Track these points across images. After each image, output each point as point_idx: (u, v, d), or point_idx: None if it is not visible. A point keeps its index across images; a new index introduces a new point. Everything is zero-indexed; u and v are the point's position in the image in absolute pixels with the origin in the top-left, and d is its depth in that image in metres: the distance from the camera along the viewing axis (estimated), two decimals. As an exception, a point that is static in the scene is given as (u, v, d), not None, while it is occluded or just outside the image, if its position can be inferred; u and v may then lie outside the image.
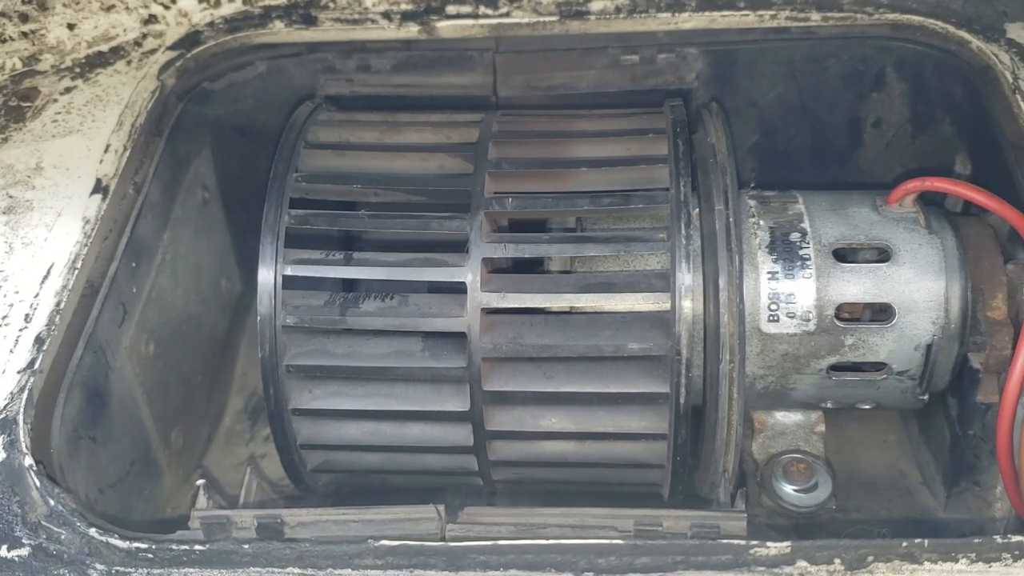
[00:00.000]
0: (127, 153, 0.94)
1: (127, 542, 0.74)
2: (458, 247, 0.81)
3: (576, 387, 0.83)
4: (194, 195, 1.06)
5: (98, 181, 0.91)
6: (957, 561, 0.71)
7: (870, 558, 0.72)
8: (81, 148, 0.94)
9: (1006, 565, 0.71)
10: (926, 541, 0.72)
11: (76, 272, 0.84)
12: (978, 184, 0.88)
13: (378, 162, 0.89)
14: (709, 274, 0.82)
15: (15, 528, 0.74)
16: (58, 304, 0.83)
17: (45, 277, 0.84)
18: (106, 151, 0.93)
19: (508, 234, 0.85)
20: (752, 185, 0.94)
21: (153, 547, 0.74)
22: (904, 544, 0.72)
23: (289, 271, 0.82)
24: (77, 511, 0.75)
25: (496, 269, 0.84)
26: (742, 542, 0.72)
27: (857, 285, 0.84)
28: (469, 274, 0.80)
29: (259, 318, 0.82)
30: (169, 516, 0.97)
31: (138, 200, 0.94)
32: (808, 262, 0.85)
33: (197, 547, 0.74)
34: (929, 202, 0.90)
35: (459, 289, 0.80)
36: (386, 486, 0.92)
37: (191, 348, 1.05)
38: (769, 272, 0.85)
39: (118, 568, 0.73)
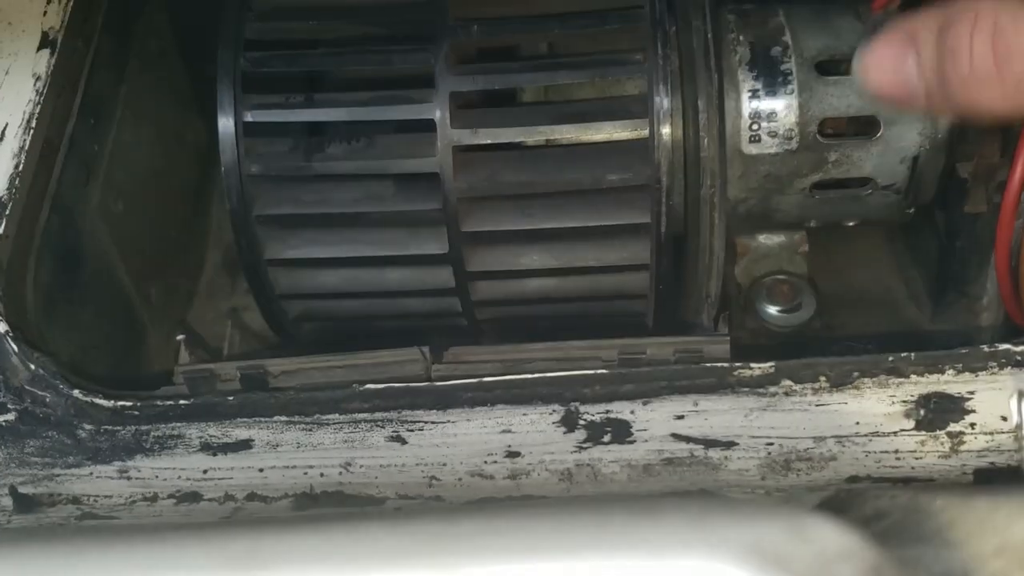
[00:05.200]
0: (71, 3, 0.89)
1: (112, 401, 0.74)
2: (424, 82, 0.78)
3: (556, 222, 0.81)
4: (148, 45, 1.01)
5: (44, 35, 0.86)
6: (944, 372, 0.72)
7: (856, 374, 0.72)
8: (21, 0, 0.89)
9: (992, 373, 0.71)
10: (912, 354, 0.72)
11: (32, 132, 0.82)
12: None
13: (334, -5, 0.84)
14: (688, 96, 0.79)
15: (-1, 394, 0.74)
16: (17, 167, 0.80)
17: (0, 139, 0.81)
18: (49, 2, 0.88)
19: (476, 65, 0.81)
20: (731, -1, 0.89)
21: (138, 404, 0.74)
22: (890, 358, 0.72)
23: (249, 117, 0.79)
24: (59, 373, 0.75)
25: (466, 104, 0.80)
26: (726, 364, 0.72)
27: (841, 99, 0.81)
28: (437, 110, 0.77)
29: (223, 168, 0.79)
30: (158, 372, 0.98)
31: (89, 53, 0.90)
32: (790, 77, 0.81)
33: (182, 401, 0.74)
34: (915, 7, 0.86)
35: (427, 127, 0.77)
36: (372, 332, 0.92)
37: (162, 203, 1.02)
38: (750, 90, 0.82)
39: (106, 427, 0.74)
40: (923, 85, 0.55)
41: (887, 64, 0.56)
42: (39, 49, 0.85)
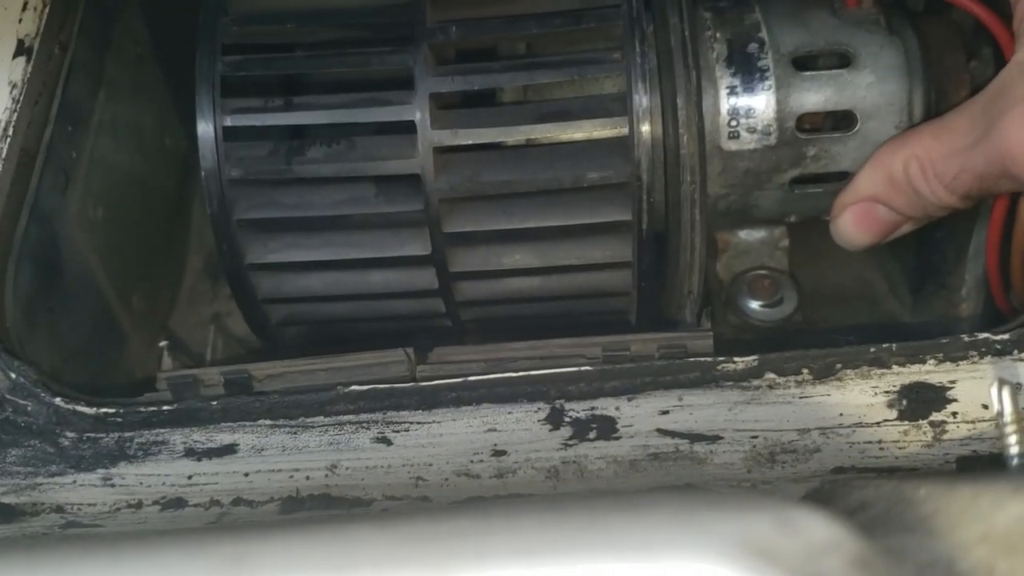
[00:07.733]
0: (47, 9, 0.88)
1: (94, 408, 0.74)
2: (403, 83, 0.78)
3: (538, 222, 0.81)
4: (126, 51, 1.01)
5: (20, 42, 0.86)
6: (925, 362, 0.72)
7: (838, 366, 0.72)
8: (-4, 8, 0.88)
9: (973, 362, 0.72)
10: (894, 345, 0.73)
11: (9, 140, 0.81)
12: (941, -21, 0.85)
13: (312, -1, 0.84)
14: (667, 94, 0.80)
15: (-22, 405, 0.73)
16: None
17: None
18: (24, 9, 0.87)
19: (455, 66, 0.81)
20: (707, -4, 0.90)
21: (121, 411, 0.74)
22: (872, 350, 0.73)
23: (229, 122, 0.78)
24: (40, 382, 0.75)
25: (446, 105, 0.80)
26: (709, 359, 0.72)
27: (818, 94, 0.82)
28: (417, 112, 0.77)
29: (203, 173, 0.79)
30: (140, 379, 0.97)
31: (65, 60, 0.89)
32: (767, 73, 0.82)
33: (165, 407, 0.74)
34: (890, 2, 0.87)
35: (408, 128, 0.77)
36: (355, 334, 0.92)
37: (142, 210, 1.02)
38: (728, 87, 0.83)
39: (89, 434, 0.73)
40: (896, 219, 0.80)
41: (864, 219, 0.81)
42: (15, 56, 0.85)
